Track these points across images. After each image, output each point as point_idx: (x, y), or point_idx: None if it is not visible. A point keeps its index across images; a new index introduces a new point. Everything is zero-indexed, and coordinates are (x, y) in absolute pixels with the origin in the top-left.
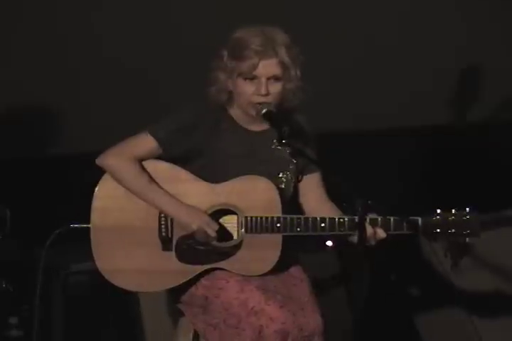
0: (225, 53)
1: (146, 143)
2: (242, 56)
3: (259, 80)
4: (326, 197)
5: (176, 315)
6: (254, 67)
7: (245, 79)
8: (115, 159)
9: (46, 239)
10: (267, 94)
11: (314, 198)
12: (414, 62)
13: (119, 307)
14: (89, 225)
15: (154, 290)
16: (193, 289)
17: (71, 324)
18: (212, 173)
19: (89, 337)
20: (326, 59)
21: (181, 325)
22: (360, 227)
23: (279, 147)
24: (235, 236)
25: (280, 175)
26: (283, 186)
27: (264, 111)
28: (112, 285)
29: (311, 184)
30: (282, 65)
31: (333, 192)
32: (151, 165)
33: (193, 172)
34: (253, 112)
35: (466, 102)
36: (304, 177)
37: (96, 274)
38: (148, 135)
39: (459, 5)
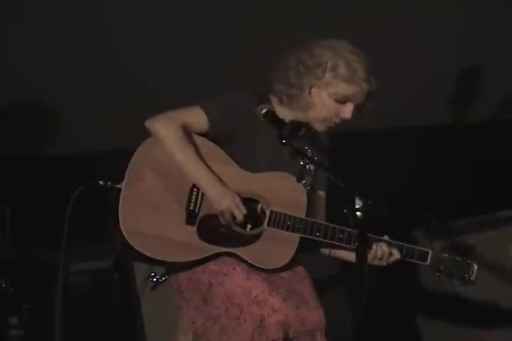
0: (329, 66)
1: (196, 115)
2: (353, 81)
3: (348, 105)
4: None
5: (176, 315)
6: (361, 97)
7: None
8: (165, 123)
9: (46, 239)
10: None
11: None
12: (414, 62)
13: (119, 307)
14: (115, 185)
15: (169, 260)
16: (199, 274)
17: (71, 324)
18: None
19: (89, 337)
20: None
21: (181, 325)
22: (361, 225)
23: (299, 160)
24: (257, 227)
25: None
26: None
27: (264, 110)
28: (112, 286)
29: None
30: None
31: (333, 192)
32: (196, 139)
33: None
34: (319, 127)
35: (466, 102)
36: (311, 190)
37: (96, 274)
38: (200, 109)
39: (459, 5)
